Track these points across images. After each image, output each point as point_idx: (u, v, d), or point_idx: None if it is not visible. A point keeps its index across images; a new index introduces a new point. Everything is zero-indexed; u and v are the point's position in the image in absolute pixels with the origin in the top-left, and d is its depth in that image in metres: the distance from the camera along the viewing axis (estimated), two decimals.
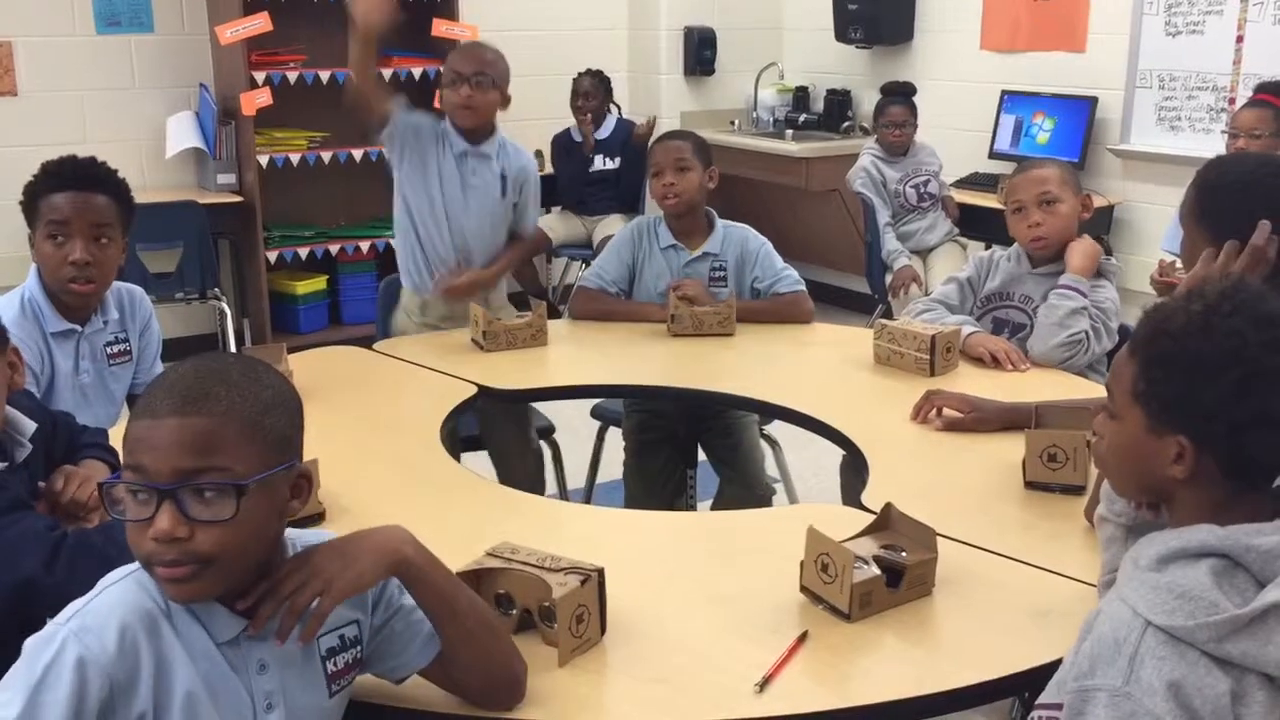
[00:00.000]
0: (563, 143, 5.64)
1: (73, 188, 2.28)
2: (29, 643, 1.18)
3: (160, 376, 1.26)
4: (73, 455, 1.90)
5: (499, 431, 3.07)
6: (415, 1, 5.19)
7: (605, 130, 5.57)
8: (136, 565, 1.24)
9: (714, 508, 3.08)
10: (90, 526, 1.69)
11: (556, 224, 5.57)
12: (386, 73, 5.11)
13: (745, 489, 2.96)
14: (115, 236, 2.32)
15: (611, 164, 5.57)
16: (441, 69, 3.10)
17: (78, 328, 2.37)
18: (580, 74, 5.59)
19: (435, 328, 3.06)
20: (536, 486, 3.05)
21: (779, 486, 3.23)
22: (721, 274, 3.04)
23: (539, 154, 5.74)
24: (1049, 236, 2.71)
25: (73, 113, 4.94)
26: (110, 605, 1.20)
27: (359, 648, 1.35)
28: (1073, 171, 2.83)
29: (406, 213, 3.07)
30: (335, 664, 1.33)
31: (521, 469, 3.07)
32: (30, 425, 1.76)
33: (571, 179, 5.57)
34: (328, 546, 1.31)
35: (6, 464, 1.70)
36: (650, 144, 3.17)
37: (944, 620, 1.64)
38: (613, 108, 5.70)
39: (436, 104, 3.10)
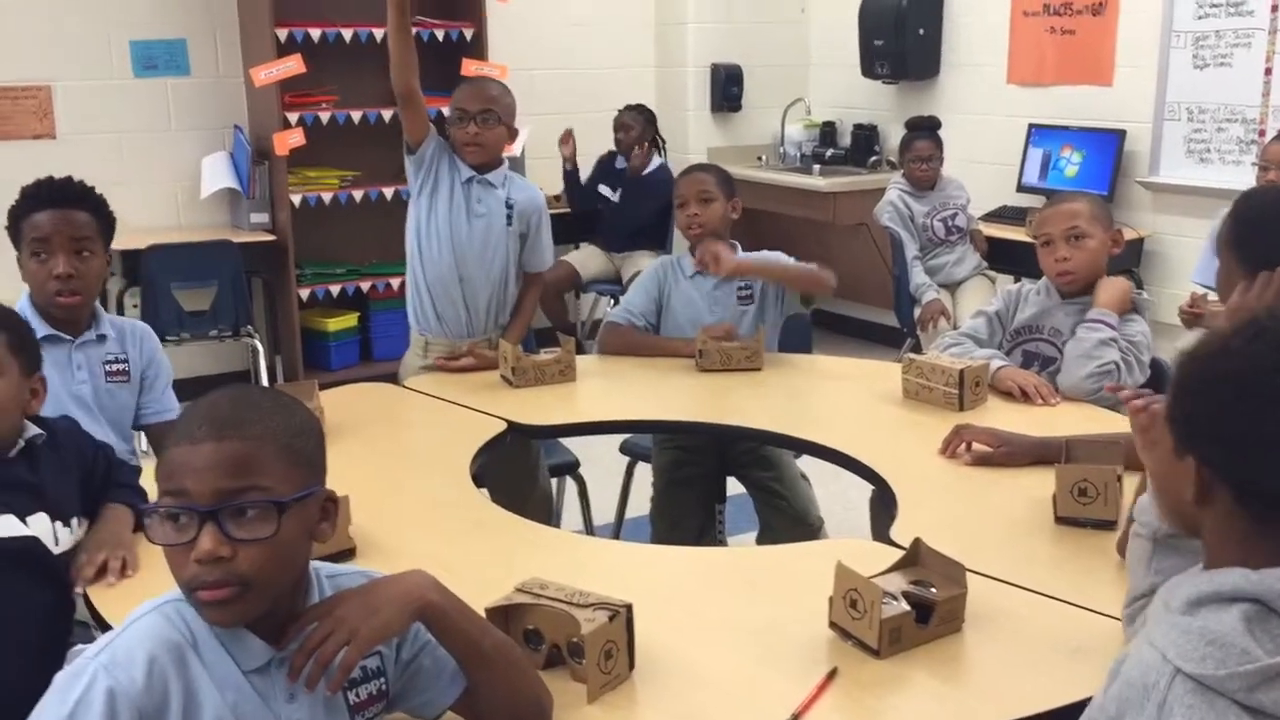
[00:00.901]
0: (604, 162, 5.70)
1: (52, 206, 2.36)
2: (59, 677, 1.21)
3: (192, 405, 1.29)
4: (105, 491, 1.95)
5: (505, 470, 3.06)
6: (445, 41, 5.28)
7: (648, 168, 5.59)
8: (164, 599, 1.27)
9: (760, 541, 3.07)
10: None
11: (582, 261, 5.60)
12: None
13: (795, 521, 2.96)
14: (97, 250, 2.40)
15: (629, 198, 5.60)
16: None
17: (67, 336, 2.41)
18: (624, 109, 5.65)
19: (440, 369, 3.04)
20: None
21: None
22: (748, 293, 3.07)
23: (556, 198, 5.78)
24: (1076, 271, 2.71)
25: (110, 154, 5.04)
26: (139, 638, 1.23)
27: (383, 679, 1.36)
28: (1103, 206, 2.82)
29: (415, 240, 3.10)
30: (358, 695, 1.34)
31: (526, 509, 3.05)
32: (33, 430, 1.88)
33: (585, 199, 5.65)
34: (353, 595, 1.32)
35: None
36: (676, 176, 3.20)
37: (974, 657, 1.63)
38: (660, 142, 5.75)
39: None
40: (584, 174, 5.76)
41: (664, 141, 5.85)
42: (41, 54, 4.86)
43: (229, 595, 1.21)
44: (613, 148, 5.68)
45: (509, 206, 3.08)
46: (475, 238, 3.05)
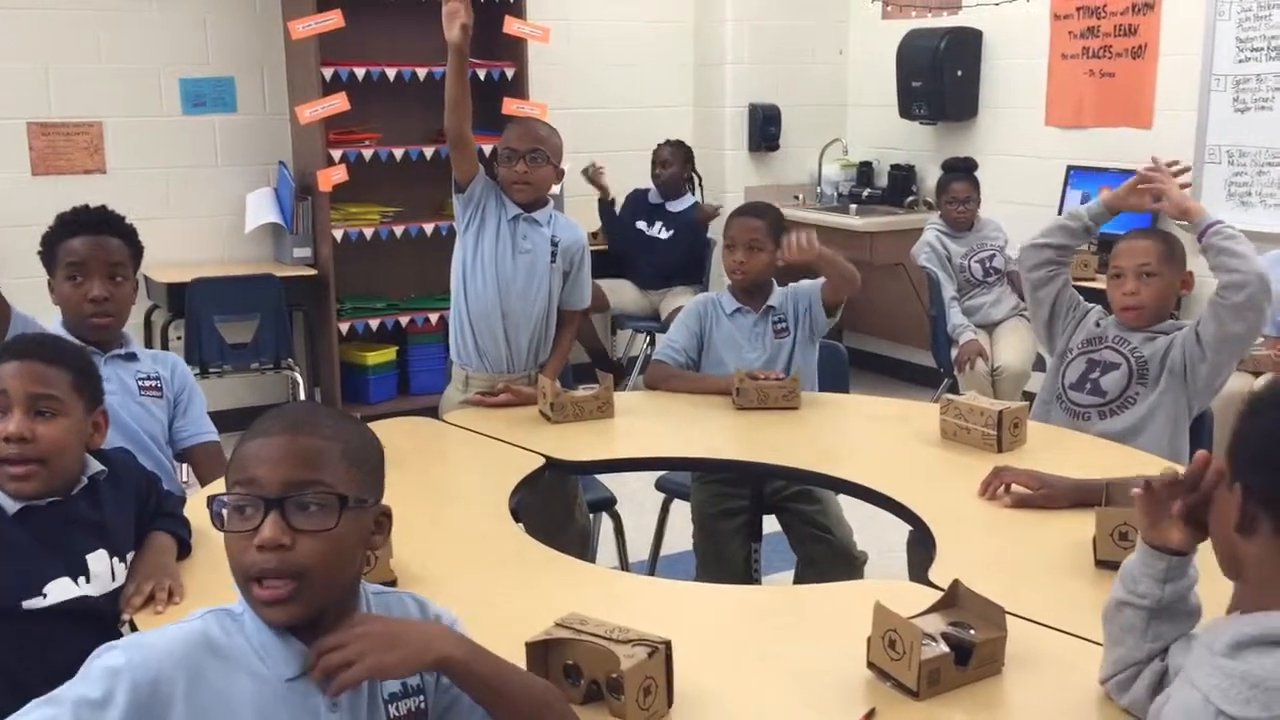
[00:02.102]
0: (635, 197, 5.74)
1: (87, 232, 2.43)
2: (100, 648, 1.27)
3: (267, 411, 1.37)
4: (153, 521, 1.98)
5: (544, 504, 3.08)
6: (487, 81, 5.35)
7: (681, 204, 5.64)
8: (207, 609, 1.31)
9: (801, 577, 3.08)
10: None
11: (620, 296, 5.64)
12: None
13: (839, 555, 2.97)
14: (128, 275, 2.48)
15: (664, 234, 5.64)
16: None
17: (98, 350, 2.43)
18: (662, 144, 5.70)
19: (477, 404, 3.07)
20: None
21: None
22: (783, 324, 3.12)
23: (594, 235, 5.83)
24: (1143, 307, 2.78)
25: (158, 189, 5.13)
26: (167, 636, 1.28)
27: (422, 697, 1.38)
28: (1179, 246, 2.86)
29: (460, 275, 3.14)
30: (397, 709, 1.37)
31: (563, 544, 3.06)
32: (95, 466, 1.91)
33: (621, 234, 5.66)
34: (381, 623, 1.34)
35: (56, 499, 1.84)
36: (731, 213, 3.23)
37: (1014, 700, 1.62)
38: (694, 179, 5.79)
39: None
40: (584, 218, 5.77)
41: (700, 178, 5.89)
42: (94, 91, 4.97)
43: (284, 594, 1.26)
44: (647, 184, 5.72)
45: (554, 244, 3.13)
46: (520, 274, 3.09)
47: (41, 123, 4.90)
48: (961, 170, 5.08)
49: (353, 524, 1.30)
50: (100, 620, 1.84)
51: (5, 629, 1.76)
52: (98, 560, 1.85)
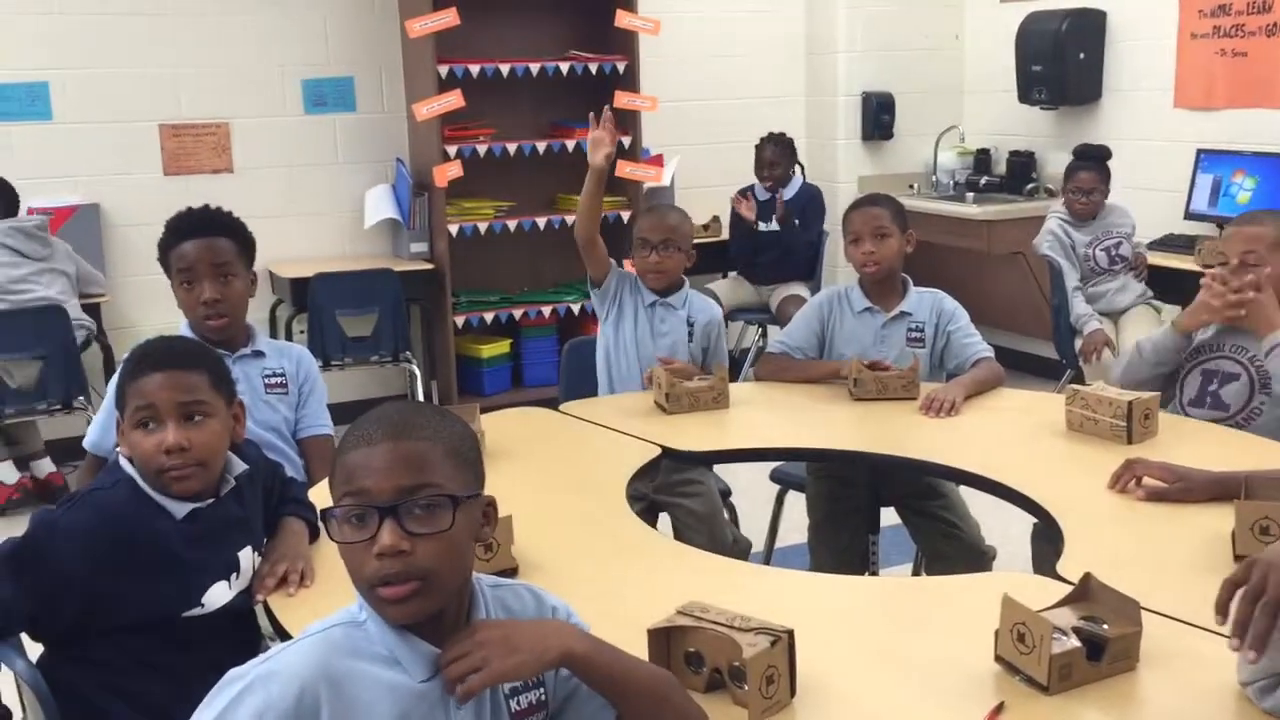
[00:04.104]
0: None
1: (194, 236, 2.48)
2: (229, 674, 1.29)
3: (364, 416, 1.37)
4: (281, 507, 2.04)
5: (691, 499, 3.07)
6: (599, 75, 5.38)
7: (789, 191, 5.56)
8: (333, 620, 1.33)
9: (931, 571, 3.03)
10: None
11: (728, 291, 5.60)
12: (571, 144, 5.29)
13: (969, 549, 2.91)
14: (239, 271, 2.51)
15: (774, 225, 5.55)
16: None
17: (226, 351, 2.48)
18: (763, 141, 5.57)
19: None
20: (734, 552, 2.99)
21: None
22: (919, 334, 3.04)
23: (716, 219, 5.81)
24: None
25: (281, 187, 5.29)
26: (301, 656, 1.29)
27: (542, 690, 1.39)
28: None
29: (605, 363, 3.21)
30: (519, 703, 1.38)
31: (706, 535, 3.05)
32: (240, 466, 1.94)
33: (741, 242, 5.59)
34: (501, 627, 1.36)
35: (213, 499, 1.87)
36: (846, 210, 3.17)
37: (1149, 697, 1.57)
38: (797, 169, 5.72)
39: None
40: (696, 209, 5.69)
41: (803, 166, 5.81)
42: (221, 93, 5.15)
43: (408, 592, 1.27)
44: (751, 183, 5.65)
45: (689, 324, 3.18)
46: (661, 355, 3.12)
47: (172, 124, 5.08)
48: (1092, 159, 4.90)
49: (465, 520, 1.31)
50: (245, 614, 1.92)
51: (164, 633, 1.83)
52: (246, 556, 1.91)
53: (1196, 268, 4.36)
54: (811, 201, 5.60)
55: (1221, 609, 1.43)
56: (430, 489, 1.29)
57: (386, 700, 1.29)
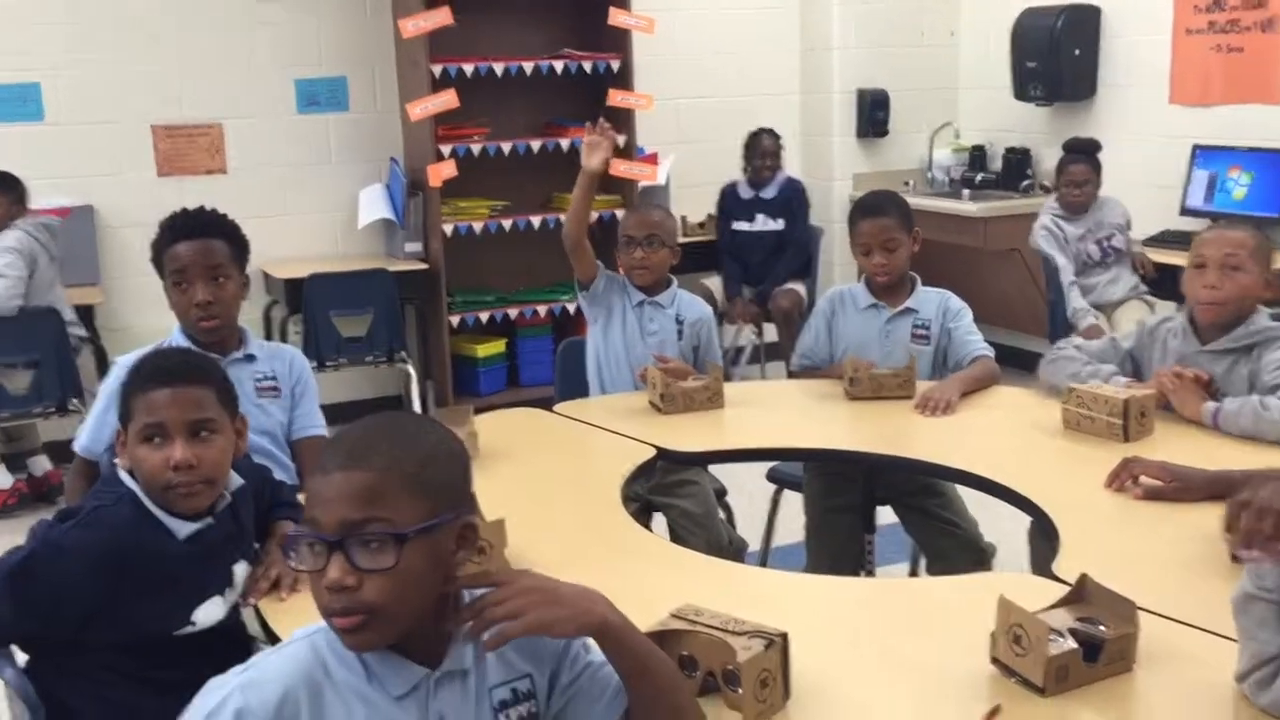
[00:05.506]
0: (727, 196, 5.63)
1: (187, 237, 2.44)
2: (210, 682, 1.27)
3: (335, 435, 1.34)
4: (270, 511, 2.03)
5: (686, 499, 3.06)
6: (593, 73, 5.36)
7: (772, 190, 5.56)
8: (317, 627, 1.31)
9: (930, 569, 3.04)
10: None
11: (720, 289, 5.57)
12: (565, 143, 5.28)
13: (968, 548, 2.90)
14: (232, 274, 2.47)
15: (774, 224, 5.53)
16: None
17: (217, 356, 2.44)
18: (759, 131, 5.58)
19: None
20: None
21: None
22: (924, 332, 3.03)
23: (711, 217, 5.79)
24: (1224, 303, 2.56)
25: (275, 187, 5.27)
26: (281, 664, 1.28)
27: (533, 702, 1.37)
28: (1268, 245, 2.66)
29: (595, 365, 3.21)
30: (509, 717, 1.36)
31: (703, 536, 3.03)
32: (237, 481, 1.92)
33: (730, 239, 5.57)
34: (543, 579, 1.34)
35: (212, 519, 1.85)
36: (852, 212, 3.14)
37: (1147, 699, 1.56)
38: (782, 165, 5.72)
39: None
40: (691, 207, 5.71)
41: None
42: (214, 94, 5.13)
43: (357, 623, 1.24)
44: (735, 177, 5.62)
45: (679, 323, 3.18)
46: (650, 356, 3.11)
47: (166, 125, 5.07)
48: (1082, 152, 4.91)
49: (419, 554, 1.25)
50: (235, 627, 1.91)
51: (155, 649, 1.82)
52: (240, 571, 1.91)
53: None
54: (797, 196, 5.57)
55: (1230, 525, 1.52)
56: (377, 524, 1.23)
57: (361, 713, 1.27)
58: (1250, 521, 1.46)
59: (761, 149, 5.54)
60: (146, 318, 4.80)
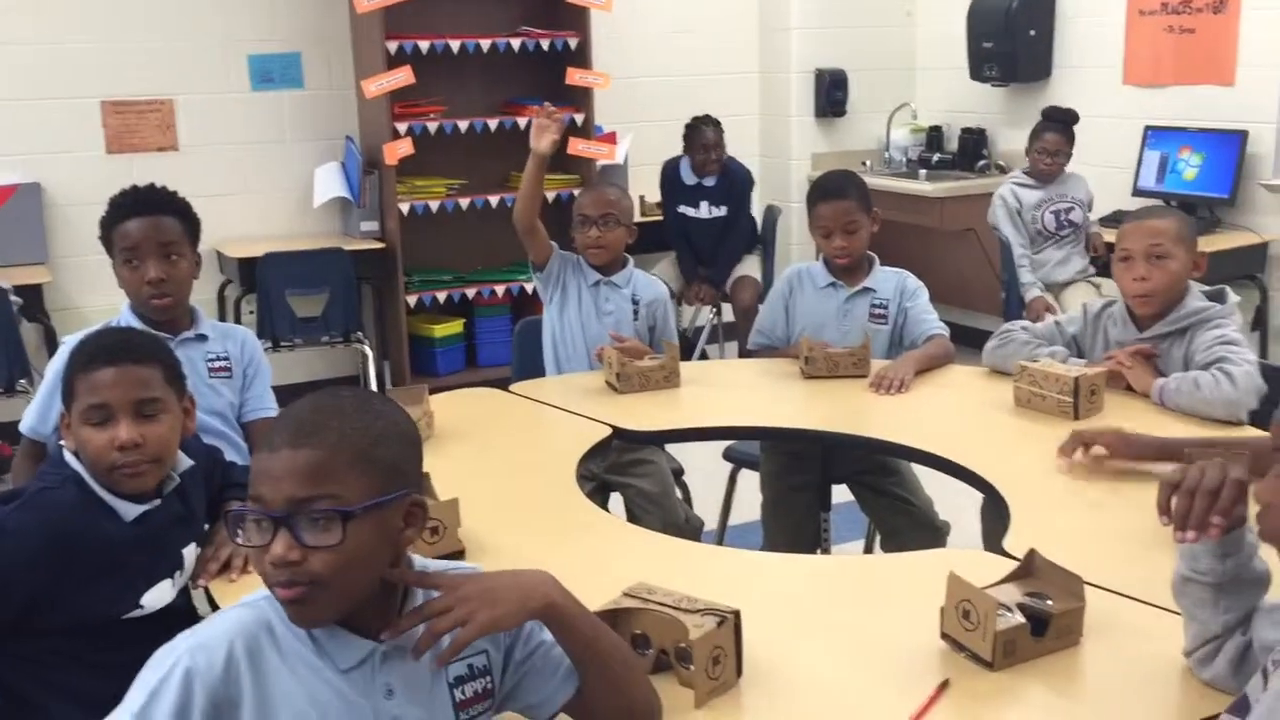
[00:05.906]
0: (671, 177, 5.49)
1: (138, 214, 2.41)
2: (157, 653, 1.27)
3: (283, 411, 1.34)
4: (222, 493, 2.00)
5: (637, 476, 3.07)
6: (550, 51, 5.33)
7: (714, 176, 5.43)
8: (262, 593, 1.30)
9: (884, 546, 3.07)
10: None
11: (671, 272, 5.48)
12: (523, 121, 5.24)
13: (922, 525, 2.93)
14: (185, 252, 2.45)
15: (719, 210, 5.41)
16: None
17: (168, 336, 2.41)
18: (696, 121, 5.38)
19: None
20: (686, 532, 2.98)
21: None
22: (883, 311, 3.05)
23: (659, 205, 5.72)
24: (1155, 293, 2.60)
25: (228, 165, 5.20)
26: (225, 626, 1.28)
27: (489, 678, 1.38)
28: (1190, 226, 2.69)
29: (552, 346, 3.19)
30: (463, 693, 1.36)
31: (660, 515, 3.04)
32: (186, 463, 1.90)
33: (677, 221, 5.47)
34: (479, 580, 1.34)
35: (159, 500, 1.84)
36: (810, 194, 3.14)
37: (1093, 672, 1.58)
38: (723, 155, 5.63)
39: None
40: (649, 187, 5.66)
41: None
42: (165, 69, 5.04)
43: (301, 595, 1.24)
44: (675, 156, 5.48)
45: (634, 302, 3.18)
46: (606, 336, 3.10)
47: (114, 101, 4.98)
48: (1059, 121, 4.94)
49: (366, 531, 1.25)
50: (185, 610, 1.89)
51: (102, 633, 1.79)
52: (190, 553, 1.89)
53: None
54: (740, 180, 5.47)
55: (1163, 509, 1.51)
56: (325, 500, 1.23)
57: (305, 684, 1.27)
58: (1182, 503, 1.47)
59: (703, 141, 5.32)
60: (95, 297, 4.74)
